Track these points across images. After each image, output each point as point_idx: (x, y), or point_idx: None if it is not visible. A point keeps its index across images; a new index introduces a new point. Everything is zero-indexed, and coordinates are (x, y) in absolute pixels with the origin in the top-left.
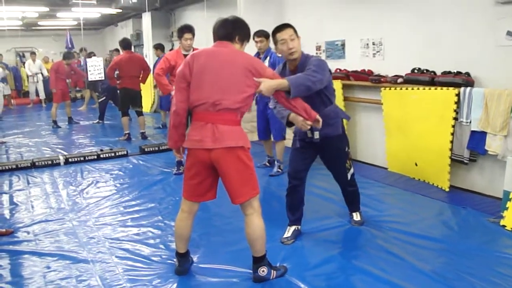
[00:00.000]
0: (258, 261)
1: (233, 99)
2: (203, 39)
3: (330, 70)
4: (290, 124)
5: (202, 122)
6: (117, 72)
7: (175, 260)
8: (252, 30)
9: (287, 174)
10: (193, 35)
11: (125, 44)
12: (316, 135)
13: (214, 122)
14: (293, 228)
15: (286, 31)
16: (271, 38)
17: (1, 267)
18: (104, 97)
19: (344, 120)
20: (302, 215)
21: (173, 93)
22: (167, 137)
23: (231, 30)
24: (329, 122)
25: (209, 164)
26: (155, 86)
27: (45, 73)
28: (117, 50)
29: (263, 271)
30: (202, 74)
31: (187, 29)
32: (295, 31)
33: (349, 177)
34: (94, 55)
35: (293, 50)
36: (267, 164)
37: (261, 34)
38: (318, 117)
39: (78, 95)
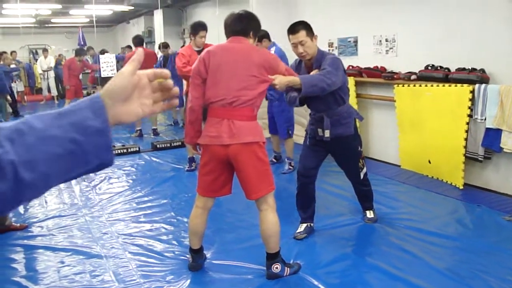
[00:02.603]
0: (272, 257)
1: (250, 94)
2: (215, 36)
3: (344, 69)
4: (303, 102)
5: (219, 118)
6: None
7: (188, 256)
8: (263, 27)
9: (296, 172)
10: (207, 32)
11: (138, 40)
12: (327, 133)
13: (230, 118)
14: (305, 225)
15: (297, 35)
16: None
17: (16, 261)
18: None
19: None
20: (314, 212)
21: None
22: (184, 134)
23: (246, 25)
24: (342, 122)
25: (226, 160)
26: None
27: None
28: (129, 47)
29: (276, 267)
30: (218, 70)
31: (202, 27)
32: (309, 31)
33: (362, 176)
34: (107, 52)
35: (303, 55)
36: (274, 160)
37: (260, 37)
38: None
39: (92, 91)
